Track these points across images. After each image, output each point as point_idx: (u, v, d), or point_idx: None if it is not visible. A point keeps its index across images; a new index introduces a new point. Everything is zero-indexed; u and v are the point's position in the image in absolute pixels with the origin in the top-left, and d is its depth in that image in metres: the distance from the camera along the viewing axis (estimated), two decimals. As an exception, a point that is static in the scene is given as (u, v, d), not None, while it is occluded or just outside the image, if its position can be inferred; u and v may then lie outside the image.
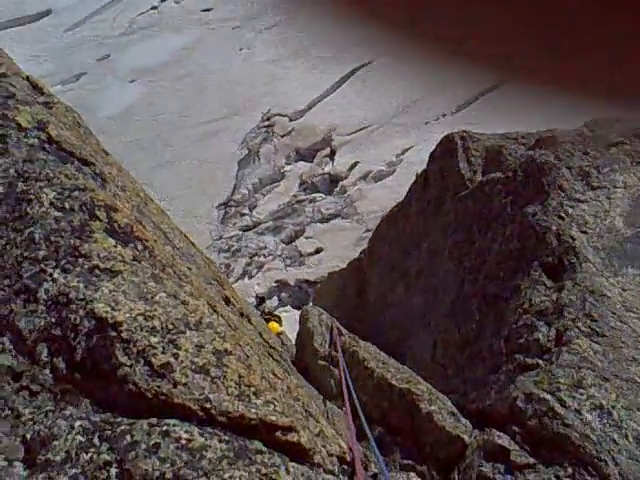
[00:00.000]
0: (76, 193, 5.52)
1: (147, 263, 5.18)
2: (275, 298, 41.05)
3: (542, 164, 12.14)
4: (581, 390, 8.20)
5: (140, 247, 5.38)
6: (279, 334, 16.82)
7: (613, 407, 7.92)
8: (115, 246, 5.11)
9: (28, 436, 3.95)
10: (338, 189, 50.01)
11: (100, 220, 5.33)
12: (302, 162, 53.85)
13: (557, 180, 11.56)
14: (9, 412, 4.15)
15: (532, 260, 10.66)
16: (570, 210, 10.91)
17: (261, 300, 26.80)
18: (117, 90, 64.15)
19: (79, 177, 5.86)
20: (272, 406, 4.39)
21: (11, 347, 4.43)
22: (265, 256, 45.40)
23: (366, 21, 66.49)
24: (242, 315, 8.59)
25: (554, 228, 10.65)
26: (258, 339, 8.41)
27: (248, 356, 4.90)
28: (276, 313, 24.16)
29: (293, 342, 15.59)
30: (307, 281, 41.64)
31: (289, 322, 25.53)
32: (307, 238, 46.03)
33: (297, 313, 30.90)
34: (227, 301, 8.12)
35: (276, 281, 42.77)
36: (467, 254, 13.10)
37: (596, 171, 11.58)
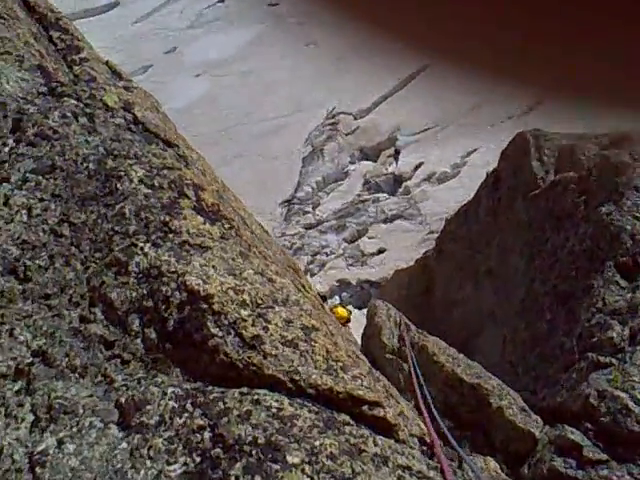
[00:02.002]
0: (165, 171, 5.64)
1: (234, 241, 5.28)
2: (336, 297, 40.95)
3: (617, 163, 11.97)
4: (656, 389, 8.10)
5: (227, 226, 5.48)
6: (346, 322, 16.85)
7: (688, 406, 7.82)
8: (204, 223, 5.22)
9: (122, 400, 4.06)
10: (402, 190, 49.74)
11: (189, 198, 5.45)
12: (366, 161, 53.70)
13: (633, 180, 11.38)
14: (102, 378, 4.27)
15: (605, 260, 10.52)
16: (645, 210, 10.75)
17: (323, 299, 26.62)
18: (183, 83, 64.78)
19: (166, 156, 5.99)
20: (359, 381, 4.44)
21: (102, 317, 4.56)
22: (327, 255, 45.37)
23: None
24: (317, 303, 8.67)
25: (629, 228, 10.50)
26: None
27: (333, 334, 4.96)
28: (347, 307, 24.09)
29: (356, 339, 15.62)
30: (369, 281, 41.47)
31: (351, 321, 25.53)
32: (370, 238, 45.87)
33: (358, 313, 30.76)
34: (303, 288, 8.20)
35: (338, 280, 42.67)
36: (539, 253, 12.98)
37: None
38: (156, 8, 79.79)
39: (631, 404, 7.96)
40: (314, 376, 4.26)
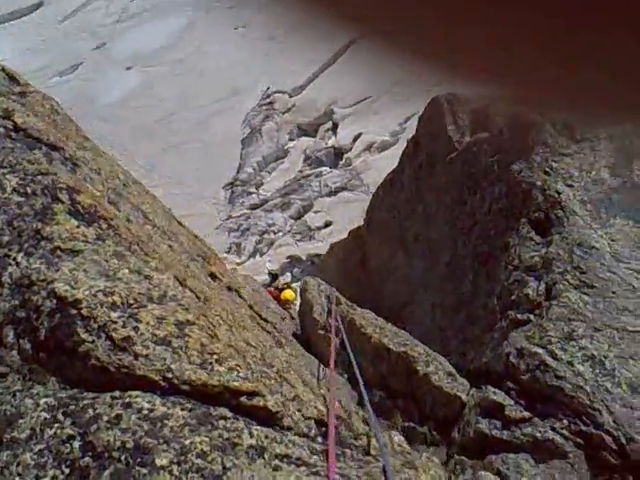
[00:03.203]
0: (39, 177, 5.55)
1: (111, 241, 5.21)
2: (288, 274, 41.01)
3: (528, 121, 12.06)
4: (572, 342, 8.20)
5: (104, 226, 5.41)
6: (290, 303, 16.90)
7: (605, 357, 7.91)
8: (78, 227, 5.15)
9: (-5, 417, 4.00)
10: (343, 162, 49.93)
11: (62, 202, 5.36)
12: (305, 137, 53.77)
13: (541, 135, 11.50)
14: (-22, 395, 4.20)
15: (520, 217, 10.64)
16: (555, 164, 10.87)
17: (274, 277, 26.47)
18: (115, 78, 64.07)
19: (42, 162, 5.89)
20: (235, 372, 4.42)
21: (-22, 332, 4.49)
22: (275, 233, 45.45)
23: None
24: (230, 289, 8.62)
25: (539, 183, 10.63)
26: (248, 312, 8.42)
27: (215, 325, 4.92)
28: (292, 285, 24.02)
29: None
30: (318, 255, 41.48)
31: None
32: (315, 212, 46.02)
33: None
34: (213, 276, 8.15)
35: (288, 257, 42.86)
36: (459, 215, 13.11)
37: (580, 124, 11.49)
38: (81, 5, 78.78)
39: (548, 359, 8.06)
40: (188, 372, 4.23)
